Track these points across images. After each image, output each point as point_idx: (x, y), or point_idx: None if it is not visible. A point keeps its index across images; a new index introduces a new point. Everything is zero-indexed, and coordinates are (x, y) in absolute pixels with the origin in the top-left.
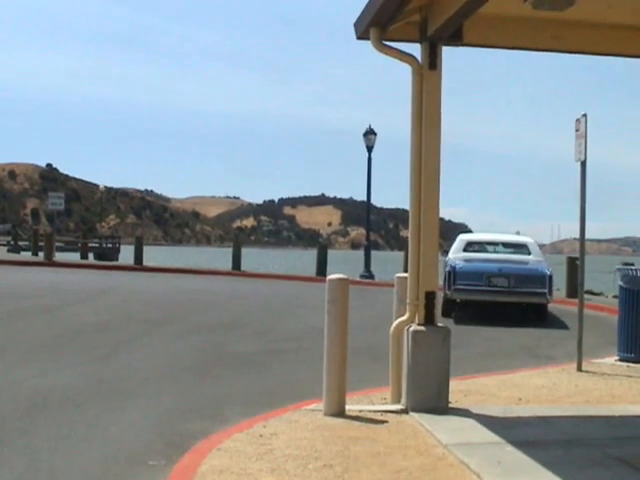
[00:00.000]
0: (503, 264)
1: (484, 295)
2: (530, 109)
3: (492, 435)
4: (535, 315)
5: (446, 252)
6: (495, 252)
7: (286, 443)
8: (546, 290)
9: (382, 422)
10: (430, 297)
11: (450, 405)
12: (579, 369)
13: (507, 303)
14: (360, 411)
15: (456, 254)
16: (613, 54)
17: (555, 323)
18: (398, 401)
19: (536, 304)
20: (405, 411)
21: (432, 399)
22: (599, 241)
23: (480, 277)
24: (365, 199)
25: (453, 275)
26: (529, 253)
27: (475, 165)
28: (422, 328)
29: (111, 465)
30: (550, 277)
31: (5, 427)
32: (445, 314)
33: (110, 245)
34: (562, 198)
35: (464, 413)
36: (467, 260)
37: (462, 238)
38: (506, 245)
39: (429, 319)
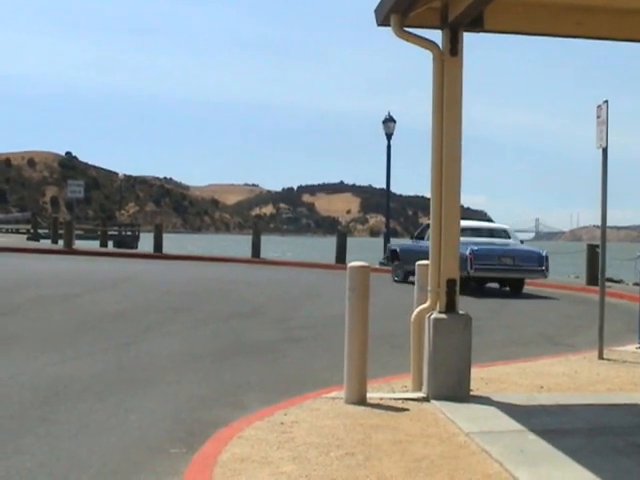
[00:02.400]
0: (505, 247)
1: (497, 273)
2: (550, 96)
3: (514, 423)
4: (515, 290)
5: (420, 238)
6: (483, 236)
7: (307, 431)
8: (544, 267)
9: (403, 410)
10: (451, 284)
11: (471, 393)
12: (600, 357)
13: (511, 279)
14: (381, 399)
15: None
16: (636, 40)
17: (575, 311)
18: (419, 389)
19: (518, 280)
20: (426, 399)
21: (453, 387)
22: (618, 228)
23: (492, 258)
24: (384, 186)
25: (473, 257)
26: (509, 237)
27: (494, 153)
28: (443, 316)
29: (132, 453)
30: (546, 257)
31: (26, 415)
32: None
33: (129, 233)
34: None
35: (485, 401)
36: (477, 244)
37: (465, 225)
38: (490, 230)
39: (450, 306)
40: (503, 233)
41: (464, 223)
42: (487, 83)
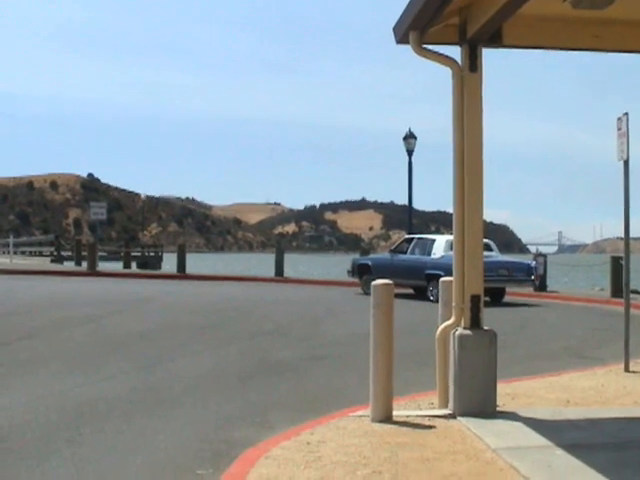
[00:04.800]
0: (499, 259)
1: (495, 283)
2: (571, 109)
3: (541, 438)
4: (497, 299)
5: (398, 252)
6: None
7: (334, 450)
8: (532, 277)
9: (430, 427)
10: (476, 300)
11: (497, 409)
12: (626, 370)
13: (503, 288)
14: (407, 416)
15: (447, 252)
16: None
17: (600, 323)
18: (445, 405)
19: (501, 290)
20: (453, 416)
21: (479, 403)
22: None
23: (492, 269)
24: (406, 202)
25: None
26: (491, 250)
27: (518, 167)
28: (468, 332)
29: (158, 474)
30: (533, 268)
31: (52, 437)
32: None
33: (152, 254)
34: (604, 197)
35: (512, 416)
36: None
37: (446, 239)
38: None
39: (475, 322)
40: (486, 247)
41: (449, 238)
42: (509, 95)
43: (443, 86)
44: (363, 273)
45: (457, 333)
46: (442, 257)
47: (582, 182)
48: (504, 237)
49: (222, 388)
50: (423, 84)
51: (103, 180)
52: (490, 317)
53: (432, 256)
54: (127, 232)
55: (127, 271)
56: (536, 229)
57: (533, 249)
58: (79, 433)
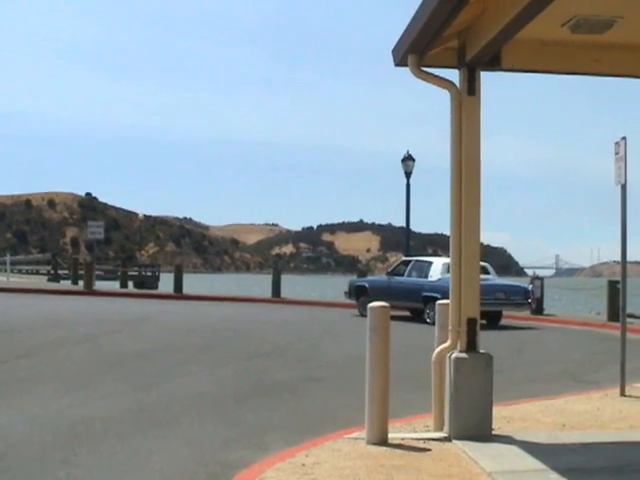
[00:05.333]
0: (496, 282)
1: (492, 306)
2: (569, 131)
3: (536, 462)
4: (493, 322)
5: (395, 274)
6: None
7: (329, 472)
8: (529, 300)
9: (425, 450)
10: (472, 323)
11: (493, 432)
12: (622, 394)
13: (499, 311)
14: (403, 439)
15: (444, 275)
16: None
17: (597, 347)
18: (441, 428)
19: (498, 313)
20: (448, 439)
21: (475, 426)
22: (639, 263)
23: (489, 292)
24: (404, 225)
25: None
26: (488, 273)
27: (517, 189)
28: (464, 355)
29: None
30: (530, 291)
31: (47, 457)
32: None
33: (150, 273)
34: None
35: (508, 440)
36: None
37: (444, 262)
38: None
39: (471, 346)
40: (483, 270)
41: (447, 260)
42: (508, 118)
43: (442, 109)
44: (360, 295)
45: (453, 356)
46: (439, 280)
47: (580, 205)
48: (501, 260)
49: (218, 409)
50: (422, 106)
51: (101, 199)
52: (486, 340)
53: (429, 279)
54: (124, 251)
55: (124, 290)
56: (533, 252)
57: (530, 272)
58: (74, 453)
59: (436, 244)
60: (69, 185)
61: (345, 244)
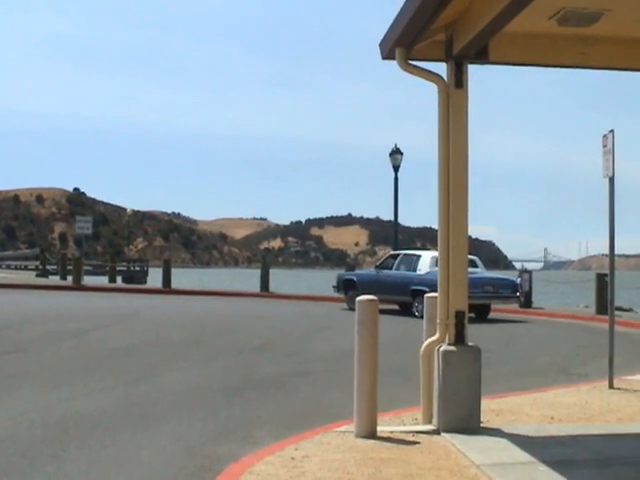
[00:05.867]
0: (485, 275)
1: (481, 299)
2: (558, 125)
3: (525, 455)
4: (482, 315)
5: (383, 267)
6: None
7: (318, 465)
8: (518, 293)
9: (414, 443)
10: (460, 316)
11: (482, 425)
12: (611, 386)
13: (488, 304)
14: (391, 432)
15: (433, 268)
16: None
17: (585, 340)
18: (429, 421)
19: (486, 306)
20: (437, 431)
21: (464, 419)
22: (627, 256)
23: (477, 286)
24: (392, 218)
25: None
26: (477, 266)
27: (504, 183)
28: (453, 348)
29: None
30: (518, 284)
31: (35, 452)
32: None
33: (138, 268)
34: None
35: (496, 433)
36: None
37: (432, 255)
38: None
39: (460, 338)
40: (472, 263)
41: (435, 254)
42: (494, 111)
43: (429, 102)
44: (348, 289)
45: (441, 349)
46: (428, 273)
47: (568, 199)
48: (490, 253)
49: (207, 404)
50: (410, 100)
51: (89, 194)
52: (475, 333)
53: (417, 272)
54: (113, 246)
55: (112, 285)
56: (522, 246)
57: (519, 265)
58: (63, 449)
59: (425, 238)
60: (57, 180)
61: (333, 238)
